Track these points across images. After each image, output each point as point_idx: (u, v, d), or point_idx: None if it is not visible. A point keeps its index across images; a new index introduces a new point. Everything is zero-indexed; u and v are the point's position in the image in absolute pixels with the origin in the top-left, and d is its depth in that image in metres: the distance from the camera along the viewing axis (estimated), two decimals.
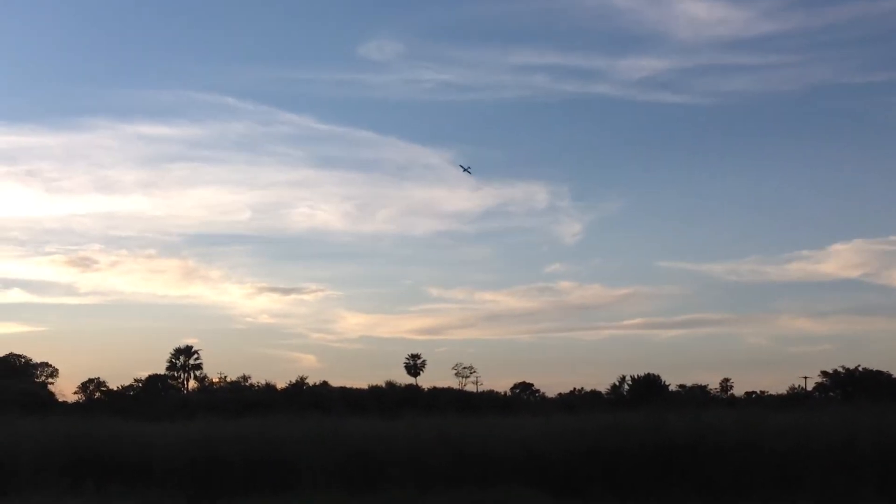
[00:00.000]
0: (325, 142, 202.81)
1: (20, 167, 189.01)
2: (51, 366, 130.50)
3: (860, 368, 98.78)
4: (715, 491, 24.78)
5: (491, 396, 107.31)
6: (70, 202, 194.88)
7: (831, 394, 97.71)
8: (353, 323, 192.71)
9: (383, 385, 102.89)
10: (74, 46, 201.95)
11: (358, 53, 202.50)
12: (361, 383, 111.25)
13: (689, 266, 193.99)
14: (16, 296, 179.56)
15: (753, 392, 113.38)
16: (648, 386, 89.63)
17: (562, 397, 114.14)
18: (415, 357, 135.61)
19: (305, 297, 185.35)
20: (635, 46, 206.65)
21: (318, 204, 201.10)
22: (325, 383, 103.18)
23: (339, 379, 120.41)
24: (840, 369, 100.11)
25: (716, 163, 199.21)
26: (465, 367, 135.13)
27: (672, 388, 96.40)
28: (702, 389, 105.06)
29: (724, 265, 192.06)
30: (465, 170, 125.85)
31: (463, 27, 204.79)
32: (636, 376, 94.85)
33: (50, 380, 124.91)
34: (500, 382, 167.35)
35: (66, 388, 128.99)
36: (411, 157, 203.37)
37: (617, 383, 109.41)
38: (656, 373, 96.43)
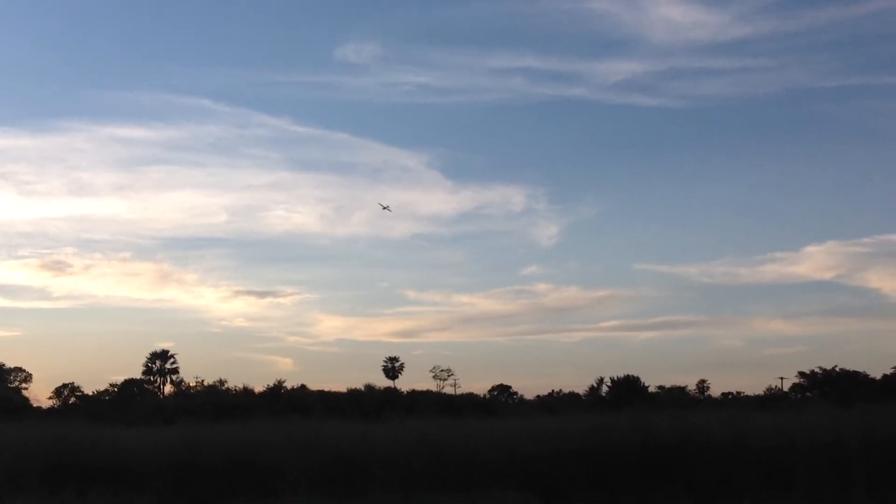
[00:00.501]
0: (302, 144, 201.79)
1: None
2: (24, 371, 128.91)
3: (837, 369, 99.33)
4: (703, 491, 24.66)
5: (470, 399, 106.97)
6: (44, 205, 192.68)
7: (808, 394, 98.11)
8: (330, 326, 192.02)
9: (362, 388, 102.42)
10: (50, 48, 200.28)
11: (335, 56, 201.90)
12: (340, 386, 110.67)
13: (663, 268, 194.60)
14: None
15: (730, 393, 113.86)
16: (628, 387, 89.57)
17: (540, 399, 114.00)
18: (392, 360, 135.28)
19: (281, 300, 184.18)
20: (612, 50, 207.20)
21: (295, 206, 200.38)
22: (303, 387, 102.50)
23: (316, 382, 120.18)
24: (817, 370, 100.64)
25: (691, 165, 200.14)
26: (442, 370, 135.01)
27: (651, 389, 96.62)
28: (681, 391, 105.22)
29: (698, 267, 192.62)
30: (384, 208, 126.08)
31: (440, 30, 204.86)
32: (616, 378, 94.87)
33: (24, 385, 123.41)
34: (477, 385, 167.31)
35: (40, 393, 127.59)
36: (388, 159, 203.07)
37: (595, 385, 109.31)
38: (634, 374, 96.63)
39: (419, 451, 29.17)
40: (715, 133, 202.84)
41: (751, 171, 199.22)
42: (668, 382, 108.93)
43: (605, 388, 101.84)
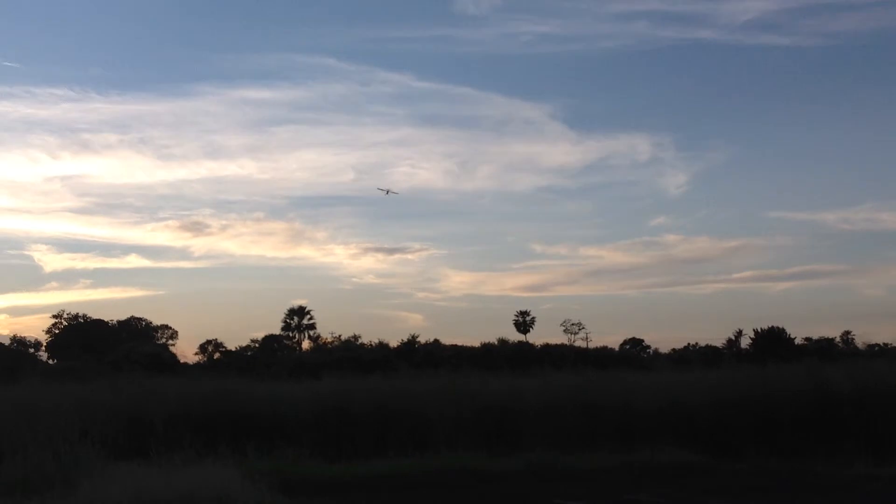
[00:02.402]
0: (425, 100, 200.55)
1: (132, 135, 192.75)
2: (170, 328, 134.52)
3: None
4: (886, 446, 22.84)
5: (604, 352, 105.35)
6: (180, 168, 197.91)
7: None
8: (458, 281, 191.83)
9: (495, 342, 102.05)
10: (177, 14, 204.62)
11: (453, 8, 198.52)
12: (472, 341, 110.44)
13: (800, 215, 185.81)
14: (133, 261, 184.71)
15: (876, 344, 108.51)
16: (772, 339, 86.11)
17: (676, 353, 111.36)
18: (524, 314, 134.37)
19: (409, 256, 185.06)
20: None
21: (419, 162, 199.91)
22: (436, 341, 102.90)
23: (448, 337, 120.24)
24: None
25: (826, 107, 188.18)
26: (573, 324, 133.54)
27: (798, 341, 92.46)
28: (829, 342, 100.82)
29: (837, 213, 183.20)
30: (386, 192, 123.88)
31: None
32: (759, 329, 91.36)
33: (170, 342, 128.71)
34: (609, 339, 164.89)
35: (186, 350, 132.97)
36: (510, 112, 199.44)
37: (733, 337, 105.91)
38: (775, 325, 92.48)
39: (574, 404, 28.31)
40: (851, 71, 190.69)
41: (892, 111, 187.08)
42: (809, 334, 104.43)
43: (746, 341, 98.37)
